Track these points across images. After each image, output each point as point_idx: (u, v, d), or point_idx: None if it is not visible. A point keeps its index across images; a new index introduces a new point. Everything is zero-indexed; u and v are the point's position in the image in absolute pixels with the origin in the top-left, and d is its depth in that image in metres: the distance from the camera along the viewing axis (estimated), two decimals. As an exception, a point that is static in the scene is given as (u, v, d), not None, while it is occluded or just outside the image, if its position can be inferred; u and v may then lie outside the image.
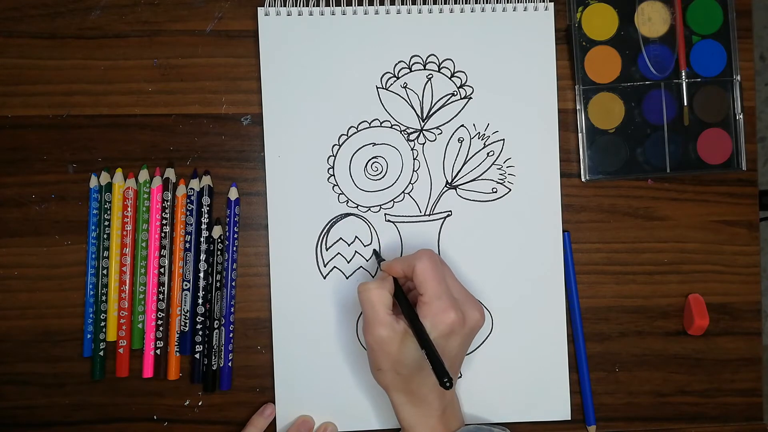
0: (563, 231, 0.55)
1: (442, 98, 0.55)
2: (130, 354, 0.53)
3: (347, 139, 0.55)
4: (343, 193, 0.55)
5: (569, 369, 0.55)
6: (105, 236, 0.53)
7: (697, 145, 0.56)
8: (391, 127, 0.55)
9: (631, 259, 0.56)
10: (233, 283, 0.54)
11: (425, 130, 0.55)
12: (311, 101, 0.54)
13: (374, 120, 0.55)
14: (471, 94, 0.55)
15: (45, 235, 0.54)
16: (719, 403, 0.57)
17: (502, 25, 0.55)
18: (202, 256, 0.53)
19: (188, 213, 0.53)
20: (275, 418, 0.54)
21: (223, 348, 0.54)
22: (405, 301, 0.47)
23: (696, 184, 0.57)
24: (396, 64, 0.55)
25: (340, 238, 0.54)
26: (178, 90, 0.54)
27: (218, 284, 0.54)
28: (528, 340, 0.55)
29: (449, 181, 0.55)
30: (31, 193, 0.54)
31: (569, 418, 0.55)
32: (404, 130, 0.55)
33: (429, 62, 0.55)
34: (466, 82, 0.55)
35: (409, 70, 0.55)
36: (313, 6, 0.54)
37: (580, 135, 0.55)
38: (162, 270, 0.53)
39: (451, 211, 0.55)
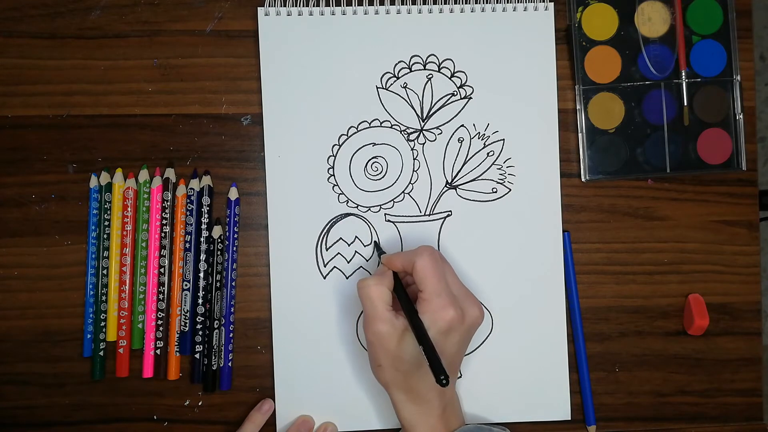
0: (563, 231, 0.55)
1: (442, 98, 0.55)
2: (130, 354, 0.53)
3: (347, 139, 0.55)
4: (343, 193, 0.55)
5: (569, 369, 0.55)
6: (105, 236, 0.53)
7: (697, 145, 0.56)
8: (391, 127, 0.55)
9: (631, 259, 0.56)
10: (233, 283, 0.54)
11: (425, 130, 0.55)
12: (311, 101, 0.54)
13: (374, 120, 0.55)
14: (471, 94, 0.55)
15: (45, 235, 0.54)
16: (719, 403, 0.57)
17: (502, 25, 0.55)
18: (202, 256, 0.53)
19: (188, 213, 0.53)
20: (275, 417, 0.54)
21: (223, 348, 0.54)
22: (404, 297, 0.47)
23: (696, 184, 0.57)
24: (396, 64, 0.55)
25: (340, 238, 0.54)
26: (178, 90, 0.54)
27: (218, 284, 0.54)
28: (528, 340, 0.55)
29: (449, 181, 0.55)
30: (31, 193, 0.54)
31: (569, 418, 0.55)
32: (404, 130, 0.55)
33: (429, 62, 0.55)
34: (466, 82, 0.55)
35: (409, 70, 0.55)
36: (313, 6, 0.54)
37: (580, 135, 0.55)
38: (162, 270, 0.53)
39: (451, 211, 0.55)
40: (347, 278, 0.54)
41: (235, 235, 0.54)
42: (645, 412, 0.56)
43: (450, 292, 0.46)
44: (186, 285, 0.53)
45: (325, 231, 0.54)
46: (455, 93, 0.55)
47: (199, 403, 0.54)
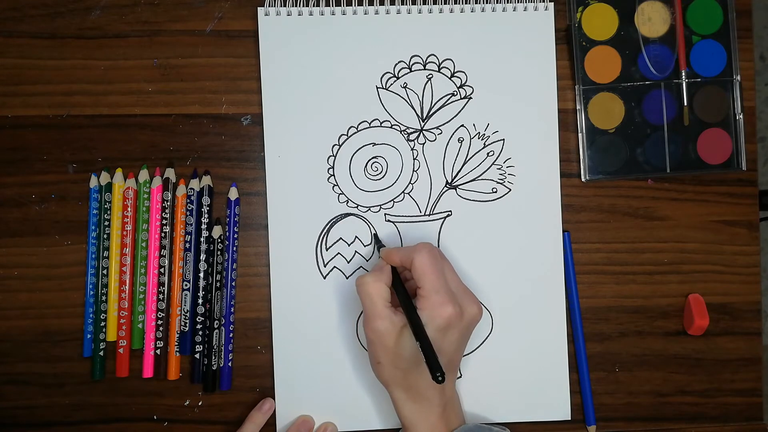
0: (563, 231, 0.55)
1: (442, 98, 0.55)
2: (130, 354, 0.53)
3: (347, 139, 0.55)
4: (343, 193, 0.55)
5: (569, 369, 0.55)
6: (105, 236, 0.53)
7: (697, 145, 0.56)
8: (391, 127, 0.55)
9: (631, 259, 0.56)
10: (233, 283, 0.54)
11: (425, 130, 0.55)
12: (311, 101, 0.54)
13: (374, 120, 0.55)
14: (471, 94, 0.55)
15: (45, 235, 0.54)
16: (719, 403, 0.57)
17: (502, 25, 0.55)
18: (202, 256, 0.53)
19: (188, 213, 0.53)
20: (275, 417, 0.54)
21: (223, 348, 0.54)
22: (402, 293, 0.47)
23: (696, 184, 0.57)
24: (396, 64, 0.55)
25: (340, 238, 0.54)
26: (178, 90, 0.54)
27: (218, 284, 0.54)
28: (528, 340, 0.55)
29: (449, 181, 0.55)
30: (31, 193, 0.54)
31: (569, 418, 0.55)
32: (404, 130, 0.55)
33: (429, 62, 0.55)
34: (466, 82, 0.55)
35: (409, 70, 0.55)
36: (313, 6, 0.54)
37: (580, 135, 0.55)
38: (162, 270, 0.53)
39: (451, 211, 0.55)
40: (347, 278, 0.54)
41: (235, 235, 0.54)
42: (645, 412, 0.56)
43: (449, 289, 0.46)
44: (186, 285, 0.53)
45: (325, 231, 0.54)
46: (455, 93, 0.55)
47: (199, 403, 0.54)
